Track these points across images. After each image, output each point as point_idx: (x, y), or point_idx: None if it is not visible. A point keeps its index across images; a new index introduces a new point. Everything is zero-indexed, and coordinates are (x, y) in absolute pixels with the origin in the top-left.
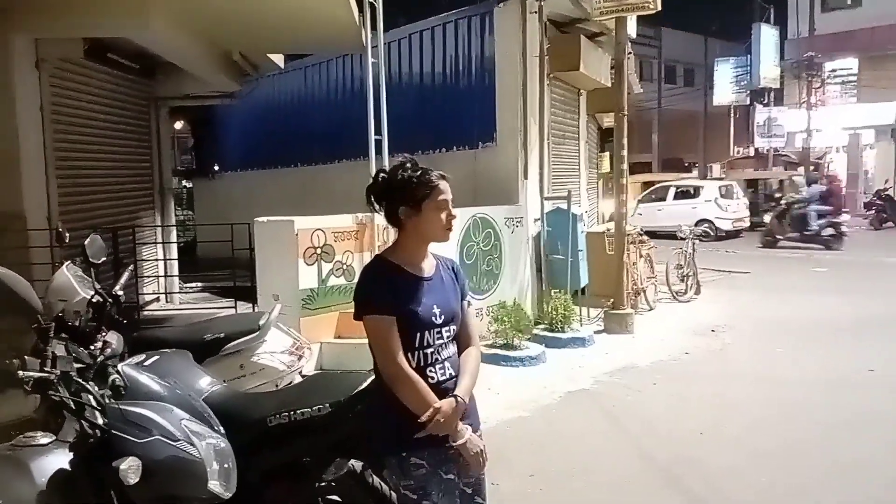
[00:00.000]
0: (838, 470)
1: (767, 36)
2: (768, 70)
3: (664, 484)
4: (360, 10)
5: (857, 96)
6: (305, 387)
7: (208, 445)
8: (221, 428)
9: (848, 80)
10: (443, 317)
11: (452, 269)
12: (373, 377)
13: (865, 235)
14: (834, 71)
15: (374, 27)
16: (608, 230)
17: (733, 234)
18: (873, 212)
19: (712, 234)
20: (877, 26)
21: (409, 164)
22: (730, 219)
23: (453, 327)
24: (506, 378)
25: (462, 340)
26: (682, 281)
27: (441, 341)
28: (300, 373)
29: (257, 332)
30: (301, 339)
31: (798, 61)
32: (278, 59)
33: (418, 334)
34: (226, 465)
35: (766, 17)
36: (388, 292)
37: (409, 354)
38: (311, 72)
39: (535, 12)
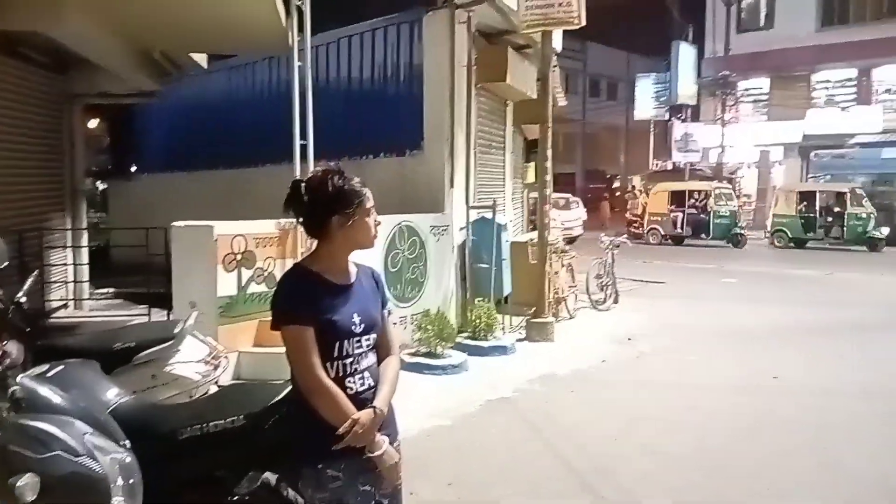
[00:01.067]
0: (745, 471)
1: (686, 54)
2: (686, 87)
3: (579, 490)
4: (287, 13)
5: (768, 114)
6: (220, 398)
7: (112, 460)
8: (128, 442)
9: (759, 99)
10: (363, 325)
11: (373, 277)
12: (290, 388)
13: (772, 248)
14: (747, 90)
15: (301, 30)
16: (531, 240)
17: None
18: None
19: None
20: (787, 48)
21: (337, 173)
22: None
23: (373, 336)
24: (428, 387)
25: (382, 350)
26: (602, 290)
27: (360, 350)
28: (216, 383)
29: (171, 341)
30: (218, 348)
31: (714, 79)
32: (201, 58)
33: (337, 344)
34: (131, 481)
35: (685, 36)
36: (306, 301)
37: (328, 365)
38: (235, 73)
39: (464, 22)
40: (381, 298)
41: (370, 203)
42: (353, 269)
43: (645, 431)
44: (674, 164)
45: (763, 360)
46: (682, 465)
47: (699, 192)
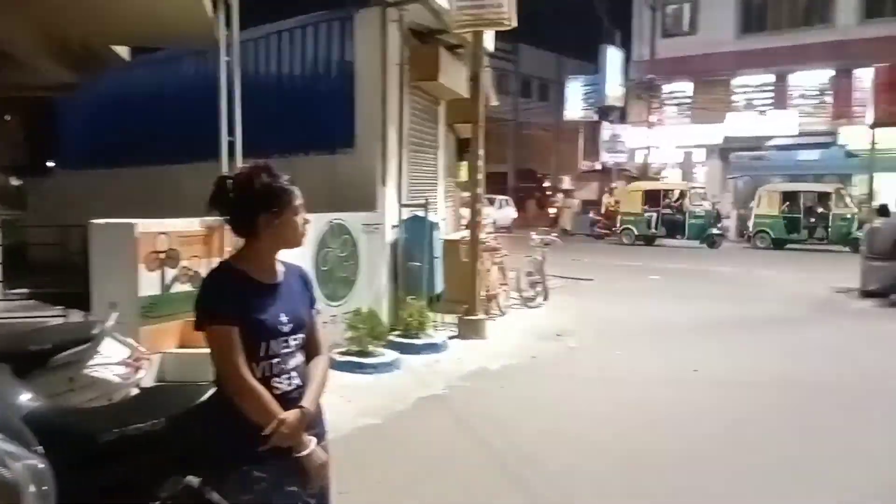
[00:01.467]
0: (669, 462)
1: (614, 58)
2: (614, 89)
3: (509, 483)
4: (215, 6)
5: (691, 117)
6: (141, 400)
7: (24, 467)
8: (41, 447)
9: (683, 102)
10: (290, 325)
11: (301, 276)
12: (213, 389)
13: (694, 246)
14: (671, 93)
15: (229, 24)
16: (463, 238)
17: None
18: None
19: None
20: (709, 53)
21: (264, 170)
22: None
23: (301, 336)
24: (359, 385)
25: (310, 349)
26: (532, 287)
27: (288, 350)
28: (138, 385)
29: (90, 343)
30: (139, 350)
31: (640, 82)
32: (124, 51)
33: (263, 343)
34: (44, 488)
35: (613, 40)
36: (231, 300)
37: (254, 365)
38: (160, 67)
39: (396, 21)
40: (309, 298)
41: (299, 201)
42: (280, 269)
43: (574, 425)
44: (602, 164)
45: (684, 353)
46: (606, 455)
47: (673, 191)
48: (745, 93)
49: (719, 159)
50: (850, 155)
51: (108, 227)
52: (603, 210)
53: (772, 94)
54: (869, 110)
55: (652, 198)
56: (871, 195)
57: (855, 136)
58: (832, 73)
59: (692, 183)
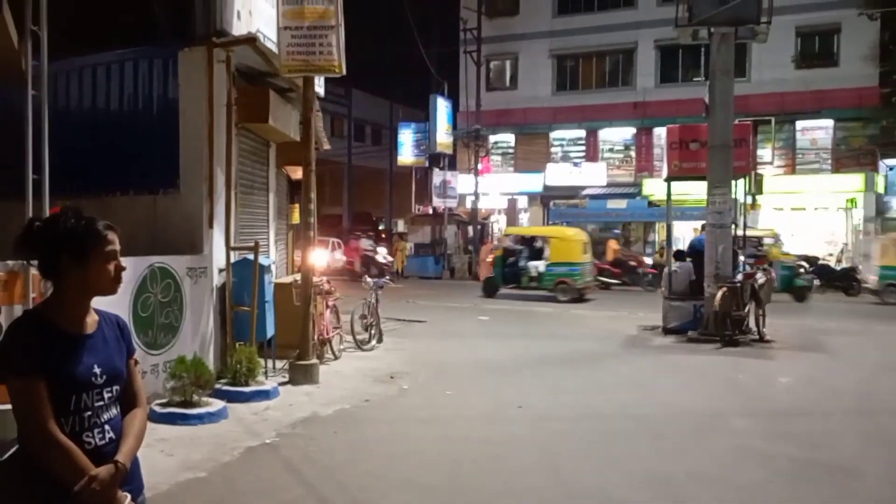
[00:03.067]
0: (490, 495)
1: (442, 107)
2: (442, 137)
3: None
4: (21, 36)
5: (514, 166)
6: None
7: None
8: None
9: (507, 152)
10: (104, 377)
11: (118, 324)
12: (17, 447)
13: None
14: (496, 143)
15: (36, 55)
16: (296, 281)
17: None
18: None
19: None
20: (528, 108)
21: (71, 213)
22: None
23: (116, 388)
24: (182, 437)
25: (127, 401)
26: (366, 330)
27: (101, 403)
28: None
29: None
30: None
31: (467, 132)
32: None
33: (74, 397)
34: None
35: (441, 91)
36: (37, 351)
37: (63, 419)
38: None
39: (223, 62)
40: (126, 348)
41: (111, 247)
42: (94, 317)
43: (404, 466)
44: (433, 208)
45: (510, 391)
46: (434, 495)
47: (757, 238)
48: (561, 145)
49: (541, 206)
50: (651, 204)
51: None
52: (611, 257)
53: (584, 148)
54: (664, 165)
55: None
56: (669, 241)
57: (656, 188)
58: (634, 130)
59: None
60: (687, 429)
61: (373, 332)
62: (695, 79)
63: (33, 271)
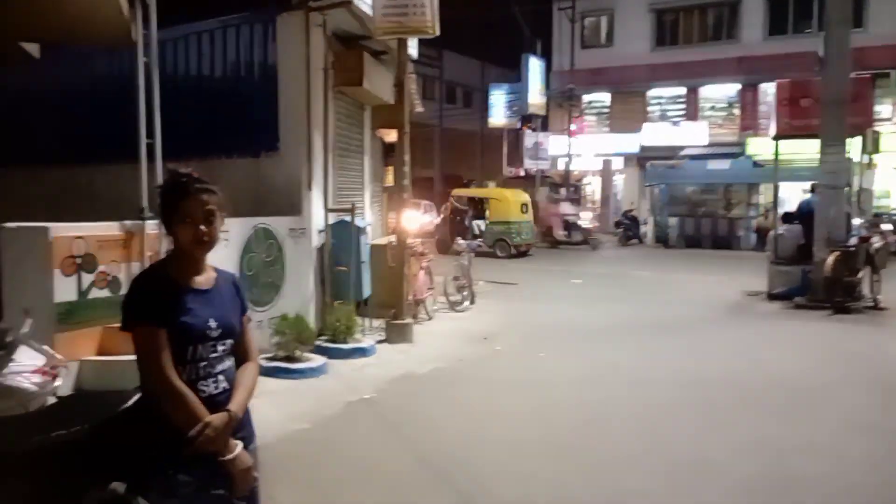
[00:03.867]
0: (590, 459)
1: (535, 67)
2: (535, 98)
3: (437, 484)
4: (131, 4)
5: (609, 126)
6: (60, 408)
7: None
8: None
9: (602, 112)
10: (219, 330)
11: (233, 283)
12: (138, 395)
13: (614, 251)
14: (590, 102)
15: (146, 23)
16: (391, 242)
17: None
18: (621, 230)
19: None
20: (625, 65)
21: (168, 175)
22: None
23: (229, 341)
24: (286, 390)
25: (240, 355)
26: (459, 291)
27: (215, 355)
28: (55, 394)
29: (2, 351)
30: (56, 358)
31: (561, 92)
32: (33, 48)
33: (191, 347)
34: None
35: (534, 50)
36: (159, 303)
37: (180, 367)
38: (73, 63)
39: (320, 25)
40: (240, 305)
41: (191, 210)
42: (211, 274)
43: (499, 425)
44: (525, 170)
45: (604, 353)
46: (530, 455)
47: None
48: (659, 104)
49: (637, 167)
50: (756, 165)
51: (20, 231)
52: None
53: (683, 106)
54: (772, 123)
55: None
56: (776, 203)
57: (761, 147)
58: (739, 86)
59: None
60: (793, 399)
61: (465, 293)
62: (806, 31)
63: (148, 230)
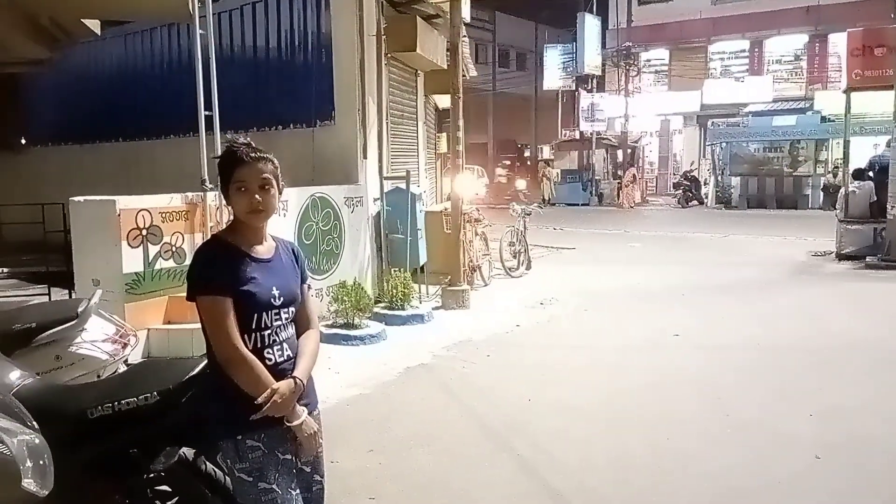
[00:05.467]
0: (650, 423)
1: (591, 25)
2: (591, 58)
3: (497, 448)
4: None
5: (668, 85)
6: (131, 376)
7: (20, 442)
8: (35, 423)
9: (660, 70)
10: (282, 298)
11: (293, 251)
12: (205, 362)
13: (673, 213)
14: (648, 61)
15: None
16: (446, 209)
17: None
18: (681, 191)
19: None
20: (685, 20)
21: (237, 144)
22: None
23: (292, 309)
24: (346, 357)
25: (302, 323)
26: (515, 257)
27: (279, 323)
28: (125, 362)
29: (75, 321)
30: (126, 327)
31: (617, 51)
32: (94, 24)
33: (255, 315)
34: (41, 462)
35: (590, 8)
36: (223, 272)
37: (246, 336)
38: (133, 39)
39: None
40: (300, 273)
41: (243, 179)
42: (271, 243)
43: (558, 391)
44: (580, 133)
45: (664, 318)
46: (589, 420)
47: None
48: (721, 59)
49: (697, 126)
50: (825, 120)
51: (88, 205)
52: None
53: (747, 61)
54: (842, 75)
55: None
56: (846, 159)
57: (830, 102)
58: (806, 38)
59: None
60: (864, 362)
61: (521, 258)
62: None
63: (209, 202)
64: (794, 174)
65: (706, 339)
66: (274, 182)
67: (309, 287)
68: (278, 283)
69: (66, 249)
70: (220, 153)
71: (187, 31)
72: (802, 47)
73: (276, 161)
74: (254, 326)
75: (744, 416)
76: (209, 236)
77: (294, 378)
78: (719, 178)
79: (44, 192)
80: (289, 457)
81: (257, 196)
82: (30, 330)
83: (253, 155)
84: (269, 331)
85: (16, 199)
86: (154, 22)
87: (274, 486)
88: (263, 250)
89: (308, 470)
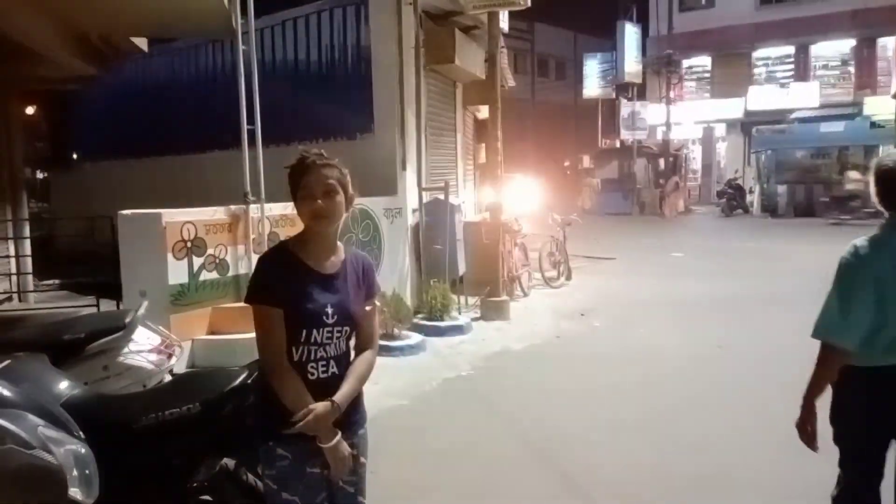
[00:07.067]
0: (693, 439)
1: (630, 34)
2: (631, 66)
3: (537, 460)
4: None
5: (711, 92)
6: (175, 386)
7: (67, 452)
8: (82, 433)
9: (702, 77)
10: (335, 317)
11: (363, 266)
12: (246, 373)
13: (717, 222)
14: (690, 68)
15: (244, 13)
16: (485, 220)
17: None
18: (725, 200)
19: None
20: (727, 26)
21: (306, 154)
22: None
23: (346, 328)
24: (386, 367)
25: (361, 342)
26: (555, 267)
27: (330, 339)
28: (170, 372)
29: (122, 331)
30: (171, 337)
31: (658, 58)
32: (142, 42)
33: (304, 330)
34: (87, 472)
35: (629, 16)
36: (279, 283)
37: (294, 347)
38: (179, 57)
39: (411, 4)
40: (366, 291)
41: (307, 186)
42: (340, 257)
43: (600, 403)
44: (621, 141)
45: (707, 331)
46: (632, 433)
47: None
48: (765, 65)
49: (741, 133)
50: (874, 126)
51: (135, 218)
52: None
53: (793, 66)
54: (892, 80)
55: None
56: None
57: (879, 107)
58: (853, 42)
59: None
60: None
61: (561, 269)
62: None
63: (252, 214)
64: (843, 182)
65: (751, 351)
66: (339, 188)
67: (375, 306)
68: (335, 300)
69: (114, 261)
70: (290, 163)
71: (231, 47)
72: (849, 52)
73: (343, 169)
74: (302, 340)
75: (788, 431)
76: (266, 248)
77: (332, 402)
78: (765, 185)
79: (94, 206)
80: (317, 470)
81: (320, 201)
82: (79, 340)
83: (318, 162)
84: (316, 346)
85: (68, 213)
86: (199, 39)
87: (296, 499)
88: (328, 264)
89: (352, 490)
